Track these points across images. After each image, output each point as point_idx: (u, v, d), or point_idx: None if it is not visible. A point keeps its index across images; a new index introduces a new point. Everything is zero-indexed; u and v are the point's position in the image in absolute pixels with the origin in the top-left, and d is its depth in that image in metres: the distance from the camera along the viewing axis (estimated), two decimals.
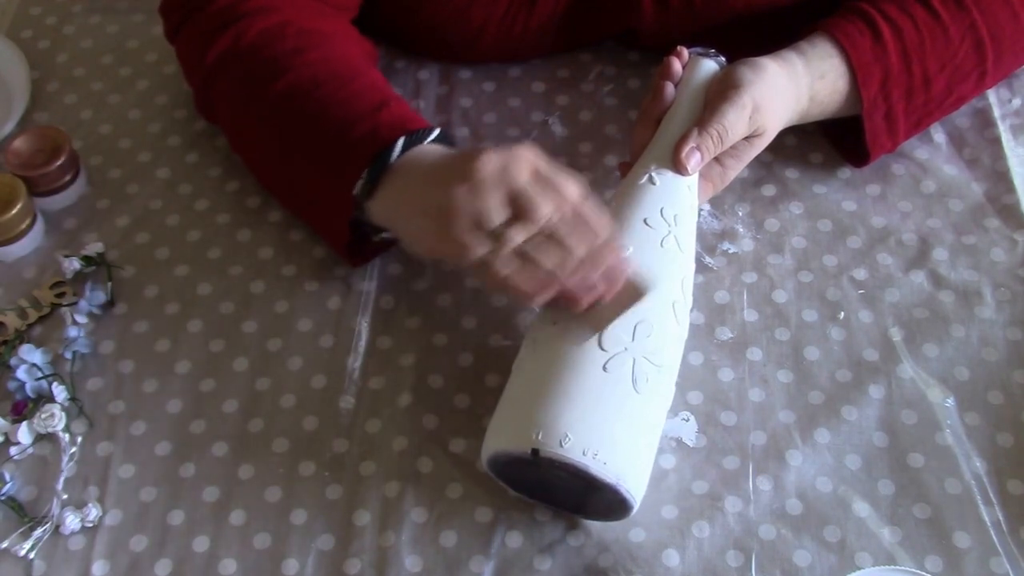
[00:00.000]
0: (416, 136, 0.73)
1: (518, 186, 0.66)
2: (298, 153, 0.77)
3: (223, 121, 0.84)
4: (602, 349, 0.66)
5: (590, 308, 0.68)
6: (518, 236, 0.66)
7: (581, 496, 0.68)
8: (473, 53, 0.94)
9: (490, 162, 0.66)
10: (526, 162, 0.67)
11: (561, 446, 0.63)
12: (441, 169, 0.70)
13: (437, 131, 0.74)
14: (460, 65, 0.95)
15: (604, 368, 0.66)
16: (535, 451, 0.64)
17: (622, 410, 0.66)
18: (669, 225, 0.72)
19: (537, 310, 0.72)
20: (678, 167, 0.75)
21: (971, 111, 0.90)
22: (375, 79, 0.80)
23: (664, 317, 0.69)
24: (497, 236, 0.66)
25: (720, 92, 0.76)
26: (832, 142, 0.89)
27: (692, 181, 0.76)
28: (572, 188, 0.68)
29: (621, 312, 0.68)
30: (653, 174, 0.75)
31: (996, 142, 0.88)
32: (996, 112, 0.90)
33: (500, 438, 0.67)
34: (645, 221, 0.72)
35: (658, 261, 0.71)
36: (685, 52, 0.79)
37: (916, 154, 0.88)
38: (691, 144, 0.75)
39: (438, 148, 0.74)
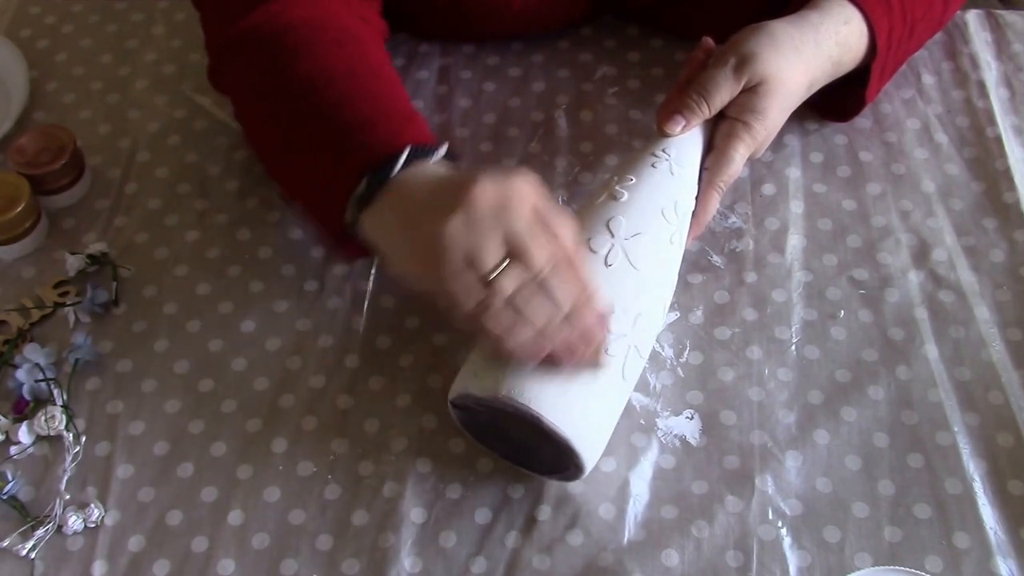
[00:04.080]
0: (422, 151, 0.68)
1: (516, 228, 0.62)
2: (310, 135, 0.73)
3: (236, 90, 0.81)
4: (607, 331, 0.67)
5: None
6: (510, 285, 0.62)
7: (532, 449, 0.69)
8: (502, 22, 0.92)
9: (488, 193, 0.61)
10: (526, 199, 0.62)
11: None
12: (436, 193, 0.65)
13: (445, 147, 0.70)
14: (462, 65, 0.95)
15: (605, 349, 0.67)
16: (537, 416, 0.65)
17: (607, 393, 0.68)
18: (679, 218, 0.74)
19: None
20: (658, 129, 0.77)
21: (971, 111, 0.90)
22: (403, 90, 0.77)
23: (658, 312, 0.71)
24: (487, 280, 0.62)
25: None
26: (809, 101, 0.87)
27: (693, 166, 0.77)
28: (568, 232, 0.64)
29: None
30: (658, 151, 0.77)
31: (996, 142, 0.88)
32: (996, 112, 0.90)
33: (487, 383, 0.66)
34: (662, 213, 0.73)
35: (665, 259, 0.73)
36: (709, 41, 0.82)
37: (916, 154, 0.88)
38: (669, 107, 0.78)
39: (437, 169, 0.69)
